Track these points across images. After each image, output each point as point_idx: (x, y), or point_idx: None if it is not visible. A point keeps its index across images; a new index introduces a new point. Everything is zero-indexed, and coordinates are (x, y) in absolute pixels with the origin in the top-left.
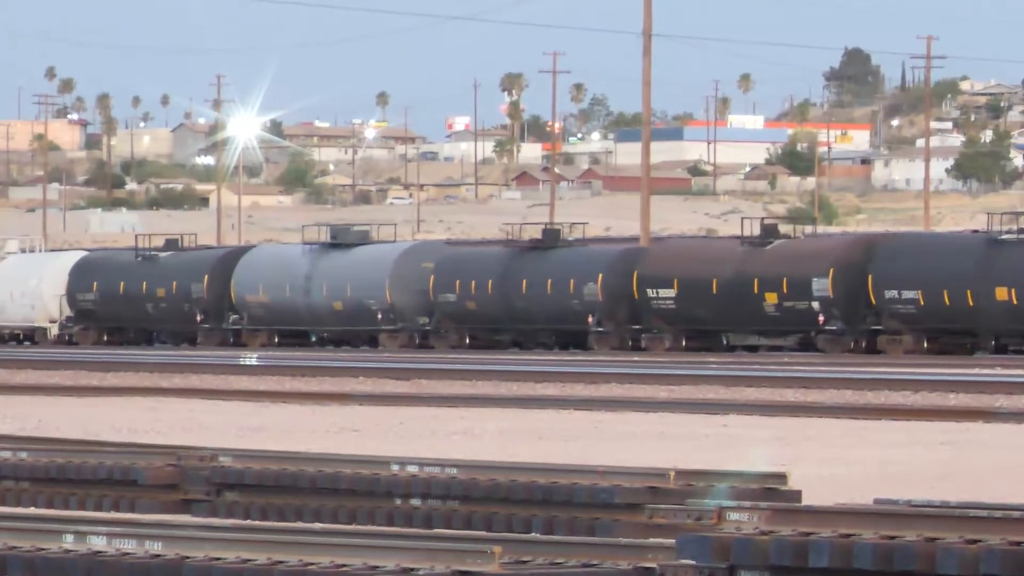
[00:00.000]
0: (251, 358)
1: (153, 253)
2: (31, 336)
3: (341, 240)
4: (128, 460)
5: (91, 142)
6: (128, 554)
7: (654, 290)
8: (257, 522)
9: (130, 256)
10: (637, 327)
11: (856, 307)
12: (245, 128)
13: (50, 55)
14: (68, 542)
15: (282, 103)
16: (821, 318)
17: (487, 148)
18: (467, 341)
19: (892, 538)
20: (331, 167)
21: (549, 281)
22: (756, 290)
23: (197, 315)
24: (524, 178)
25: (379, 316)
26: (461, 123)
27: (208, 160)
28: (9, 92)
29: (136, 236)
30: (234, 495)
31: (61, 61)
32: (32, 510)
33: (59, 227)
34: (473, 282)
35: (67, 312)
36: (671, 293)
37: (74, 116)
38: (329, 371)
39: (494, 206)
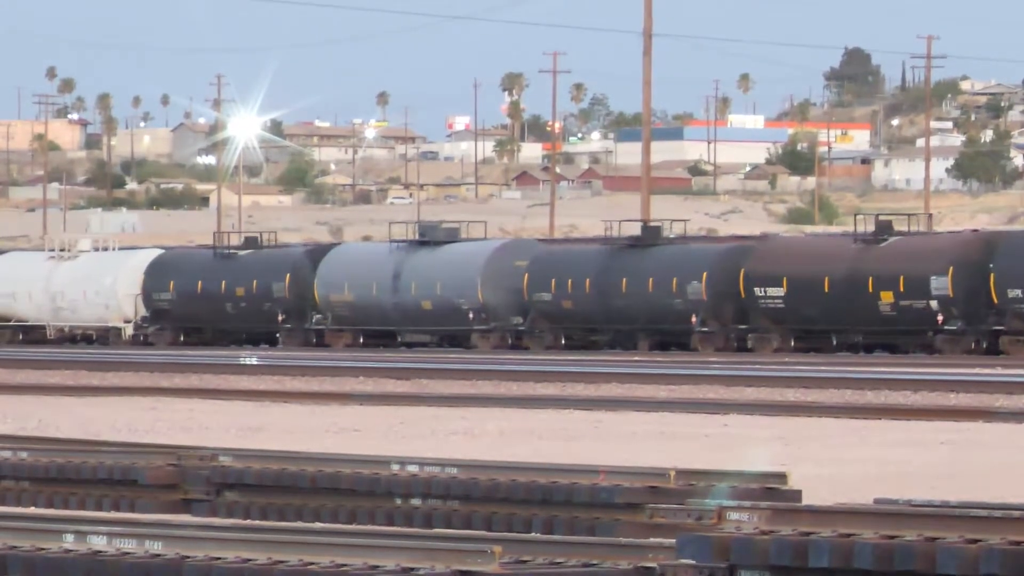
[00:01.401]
0: (251, 358)
1: (232, 251)
2: (104, 337)
3: (430, 237)
4: (128, 460)
5: (91, 142)
6: (128, 554)
7: (762, 288)
8: (257, 522)
9: (208, 254)
10: (743, 327)
11: (977, 306)
12: (245, 128)
13: (50, 55)
14: (68, 542)
15: (282, 103)
16: (940, 318)
17: (487, 148)
18: (562, 341)
19: (892, 538)
20: (331, 167)
21: (650, 280)
22: (871, 289)
23: (278, 315)
24: (524, 178)
25: (470, 316)
26: (461, 123)
27: (208, 160)
28: (9, 92)
29: (214, 234)
30: (234, 495)
31: (61, 61)
32: (32, 510)
33: (59, 227)
34: (570, 280)
35: (142, 312)
36: (780, 292)
37: (74, 116)
38: (329, 371)
39: (494, 206)
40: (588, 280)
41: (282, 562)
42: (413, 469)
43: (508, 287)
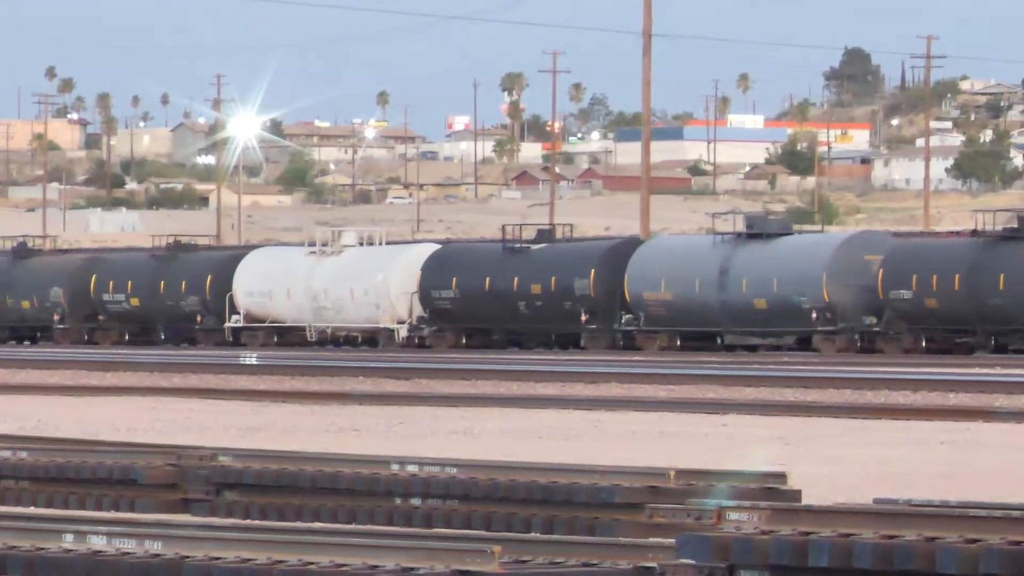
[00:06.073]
0: (251, 358)
1: (524, 245)
2: (373, 339)
3: (761, 230)
4: (128, 460)
5: (91, 142)
6: (128, 554)
7: None
8: (257, 522)
9: (495, 248)
10: None
11: None
12: (245, 128)
13: (50, 55)
14: (68, 542)
15: (282, 103)
16: None
17: (487, 148)
18: (923, 344)
19: (892, 538)
20: (331, 167)
21: None
22: None
23: (581, 314)
24: (524, 178)
25: (813, 315)
26: (461, 123)
27: (208, 160)
28: (9, 92)
29: (503, 227)
30: (234, 495)
31: (61, 61)
32: (32, 510)
33: (59, 227)
34: (935, 276)
35: (418, 312)
36: None
37: (74, 116)
38: (329, 371)
39: (494, 206)
40: (957, 276)
41: (282, 562)
42: (413, 469)
43: (858, 284)
